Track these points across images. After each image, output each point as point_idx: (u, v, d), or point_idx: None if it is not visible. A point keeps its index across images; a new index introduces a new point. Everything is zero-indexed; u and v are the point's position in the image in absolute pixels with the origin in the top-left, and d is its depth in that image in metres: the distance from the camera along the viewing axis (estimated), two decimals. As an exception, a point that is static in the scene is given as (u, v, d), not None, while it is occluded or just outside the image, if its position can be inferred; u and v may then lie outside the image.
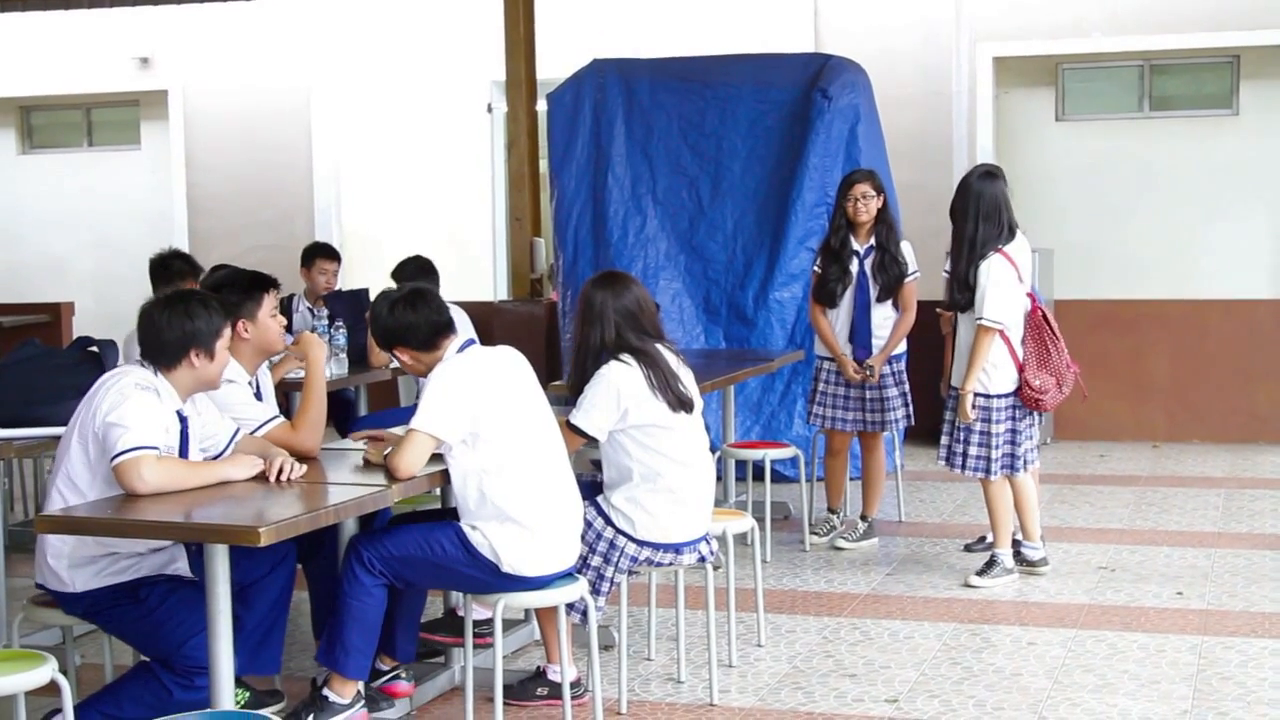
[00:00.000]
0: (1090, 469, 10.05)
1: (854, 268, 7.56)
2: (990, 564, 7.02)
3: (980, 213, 6.85)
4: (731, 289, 9.69)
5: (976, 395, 6.84)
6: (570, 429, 5.25)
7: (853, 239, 7.57)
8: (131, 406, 4.48)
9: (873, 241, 7.56)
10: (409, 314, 4.96)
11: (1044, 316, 6.97)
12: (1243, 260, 11.08)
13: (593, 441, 5.34)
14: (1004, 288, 6.80)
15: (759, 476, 8.07)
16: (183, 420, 4.67)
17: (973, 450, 6.90)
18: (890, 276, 7.54)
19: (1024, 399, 6.91)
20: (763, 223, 9.63)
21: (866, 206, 7.50)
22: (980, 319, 6.78)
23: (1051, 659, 5.86)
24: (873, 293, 7.56)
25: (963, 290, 6.89)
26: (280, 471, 4.69)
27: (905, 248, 7.63)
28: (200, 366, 4.67)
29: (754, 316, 9.57)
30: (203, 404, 4.88)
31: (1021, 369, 6.89)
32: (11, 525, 7.51)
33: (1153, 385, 11.11)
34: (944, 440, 7.02)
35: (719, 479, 7.99)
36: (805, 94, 9.61)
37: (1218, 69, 11.27)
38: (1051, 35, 11.20)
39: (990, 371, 6.85)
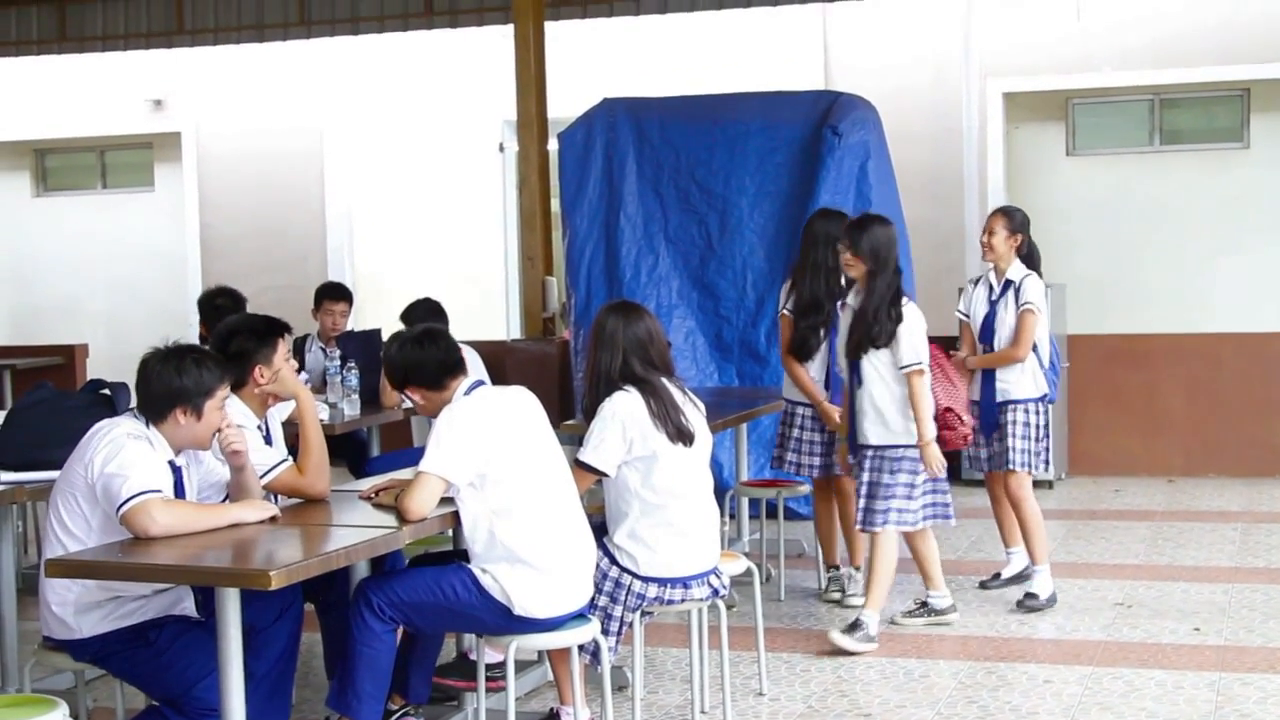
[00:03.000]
0: (1105, 504, 10.00)
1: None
2: (922, 608, 6.92)
3: (896, 256, 6.62)
4: (744, 326, 9.67)
5: (903, 447, 6.54)
6: (580, 467, 5.24)
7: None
8: (129, 454, 4.49)
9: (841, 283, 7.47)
10: (417, 352, 4.99)
11: (942, 350, 6.94)
12: (1256, 293, 11.05)
13: (603, 479, 5.32)
14: (921, 330, 6.59)
15: (772, 515, 8.03)
16: (175, 470, 4.67)
17: (912, 504, 6.61)
18: None
19: (951, 440, 6.72)
20: (774, 260, 9.61)
21: None
22: (916, 364, 6.46)
23: (1068, 697, 5.82)
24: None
25: (885, 330, 6.50)
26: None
27: None
28: (187, 425, 4.65)
29: (767, 354, 9.53)
30: (201, 452, 4.87)
31: (948, 411, 6.73)
32: (25, 569, 7.50)
33: (1167, 420, 11.06)
34: (884, 505, 6.59)
35: (732, 517, 7.98)
36: (815, 131, 9.60)
37: (1228, 102, 11.27)
38: (1061, 70, 11.21)
39: (908, 418, 6.53)
